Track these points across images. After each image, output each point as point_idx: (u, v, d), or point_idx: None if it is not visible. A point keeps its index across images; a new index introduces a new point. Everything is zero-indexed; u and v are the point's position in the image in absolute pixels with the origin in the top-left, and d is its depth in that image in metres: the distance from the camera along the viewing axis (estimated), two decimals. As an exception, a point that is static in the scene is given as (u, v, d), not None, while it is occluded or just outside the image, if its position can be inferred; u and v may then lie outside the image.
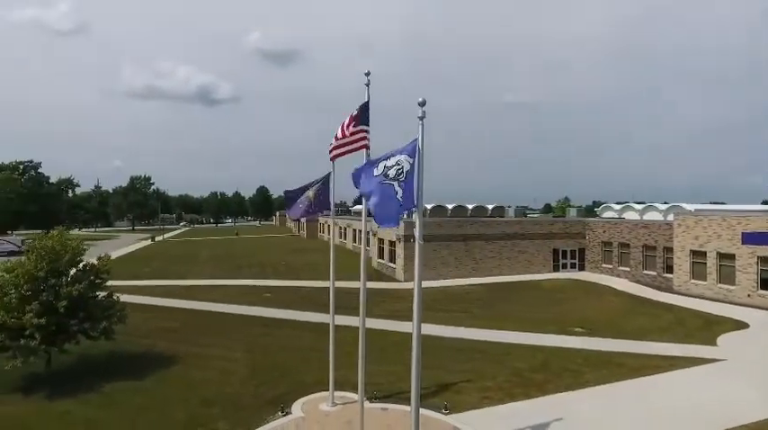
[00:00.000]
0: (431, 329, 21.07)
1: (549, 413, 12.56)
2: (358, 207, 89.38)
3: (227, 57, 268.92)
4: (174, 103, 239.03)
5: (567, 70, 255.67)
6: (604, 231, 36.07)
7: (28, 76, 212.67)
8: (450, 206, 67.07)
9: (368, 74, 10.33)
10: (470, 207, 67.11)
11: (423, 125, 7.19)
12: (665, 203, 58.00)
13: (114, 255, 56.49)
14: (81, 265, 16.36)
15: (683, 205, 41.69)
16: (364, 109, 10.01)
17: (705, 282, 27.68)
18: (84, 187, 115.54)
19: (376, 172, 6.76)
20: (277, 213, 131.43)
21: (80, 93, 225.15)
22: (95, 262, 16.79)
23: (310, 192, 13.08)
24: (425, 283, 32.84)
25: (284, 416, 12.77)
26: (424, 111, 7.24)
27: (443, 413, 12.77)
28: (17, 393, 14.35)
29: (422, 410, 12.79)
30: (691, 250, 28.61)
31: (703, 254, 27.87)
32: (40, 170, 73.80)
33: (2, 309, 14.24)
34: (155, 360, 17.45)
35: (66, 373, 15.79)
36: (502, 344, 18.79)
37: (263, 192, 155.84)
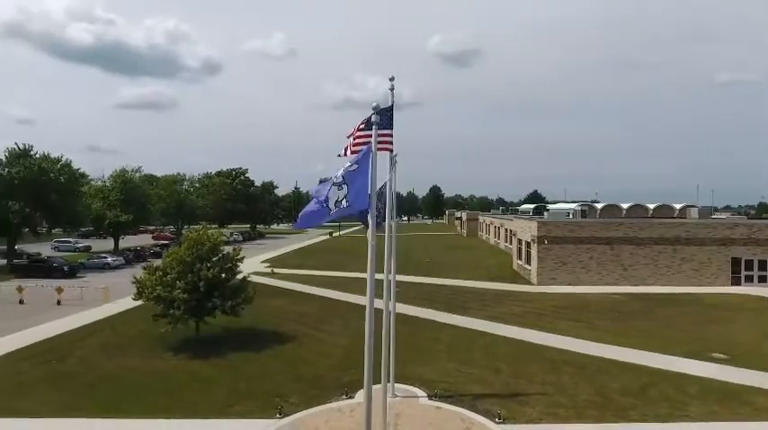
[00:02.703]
0: (534, 336, 20.02)
1: (612, 440, 11.23)
2: (526, 206, 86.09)
3: (409, 63, 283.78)
4: (365, 111, 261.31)
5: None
6: (809, 238, 28.50)
7: (252, 95, 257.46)
8: (625, 206, 60.15)
9: (392, 79, 10.82)
10: (651, 206, 59.20)
11: (375, 130, 7.63)
12: None
13: (296, 246, 65.61)
14: (220, 254, 20.13)
15: None
16: (388, 112, 10.48)
17: None
18: (288, 189, 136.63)
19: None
20: (446, 212, 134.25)
21: (291, 108, 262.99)
22: (230, 251, 20.47)
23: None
24: (563, 289, 30.83)
25: (347, 399, 13.96)
26: (376, 116, 7.66)
27: (495, 421, 12.42)
28: (170, 352, 18.50)
29: (472, 414, 12.80)
30: None
31: None
32: (247, 175, 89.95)
33: (161, 284, 18.55)
34: (277, 338, 20.38)
35: (208, 341, 19.61)
36: (606, 360, 16.92)
37: (434, 191, 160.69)
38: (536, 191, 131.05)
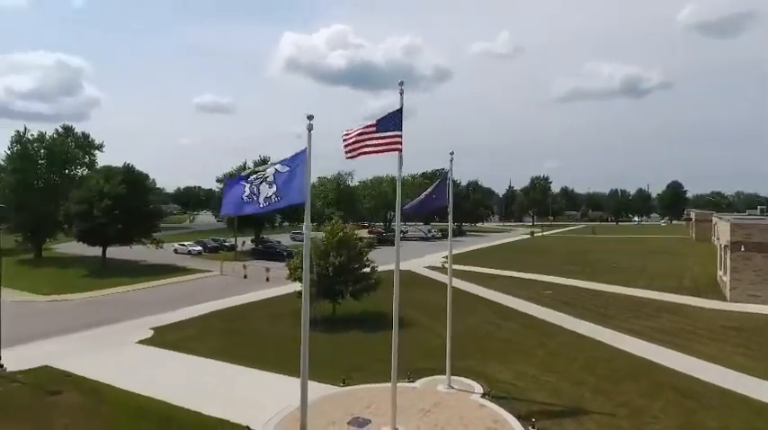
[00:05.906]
0: (661, 356, 17.40)
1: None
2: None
3: (655, 42, 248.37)
4: (600, 101, 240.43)
5: None
6: None
7: (477, 97, 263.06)
8: None
9: (401, 83, 11.64)
10: None
11: (310, 135, 8.94)
12: None
13: (489, 244, 66.27)
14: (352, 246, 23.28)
15: None
16: (398, 114, 11.36)
17: None
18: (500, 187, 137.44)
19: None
20: (684, 212, 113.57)
21: (515, 105, 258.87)
22: (360, 244, 23.46)
23: (429, 191, 15.01)
24: (763, 309, 25.20)
25: (407, 382, 15.14)
26: (311, 124, 8.94)
27: (528, 428, 12.00)
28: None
29: (509, 418, 12.94)
30: None
31: None
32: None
33: (301, 268, 22.62)
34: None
35: (341, 319, 22.81)
36: (729, 393, 13.90)
37: (673, 187, 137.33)
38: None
